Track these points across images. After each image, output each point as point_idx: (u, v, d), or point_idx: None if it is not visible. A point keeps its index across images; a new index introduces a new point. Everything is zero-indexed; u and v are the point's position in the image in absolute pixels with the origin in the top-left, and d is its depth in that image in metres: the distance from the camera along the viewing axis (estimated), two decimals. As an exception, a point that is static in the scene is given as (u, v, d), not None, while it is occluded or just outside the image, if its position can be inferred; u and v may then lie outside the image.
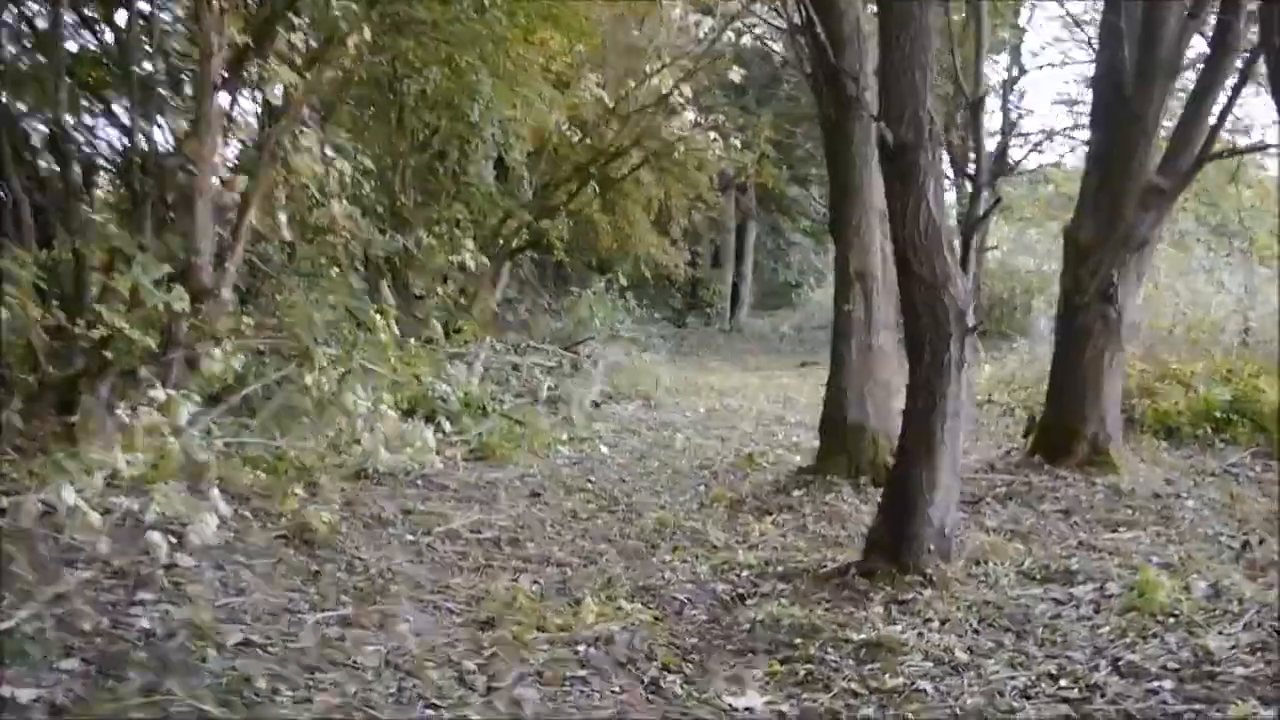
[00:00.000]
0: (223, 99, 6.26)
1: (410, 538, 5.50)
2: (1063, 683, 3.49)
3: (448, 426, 7.20)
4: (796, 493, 6.62)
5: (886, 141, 4.38)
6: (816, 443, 9.15)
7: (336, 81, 10.74)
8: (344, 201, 8.10)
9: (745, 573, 5.05)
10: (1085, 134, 10.24)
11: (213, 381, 6.01)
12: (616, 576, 5.01)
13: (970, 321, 4.49)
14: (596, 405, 10.74)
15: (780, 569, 5.03)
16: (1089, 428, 6.65)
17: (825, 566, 4.92)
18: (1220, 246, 14.33)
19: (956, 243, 4.55)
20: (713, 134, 12.99)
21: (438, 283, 10.42)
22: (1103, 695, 3.35)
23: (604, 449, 8.82)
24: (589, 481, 7.44)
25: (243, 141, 7.21)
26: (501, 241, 12.66)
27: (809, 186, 25.68)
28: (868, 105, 6.59)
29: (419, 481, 6.82)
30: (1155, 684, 3.39)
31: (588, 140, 12.98)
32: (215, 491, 4.73)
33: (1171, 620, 3.97)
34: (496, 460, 7.75)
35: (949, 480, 4.52)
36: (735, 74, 12.57)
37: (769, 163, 17.91)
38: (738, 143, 13.62)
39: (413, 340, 9.79)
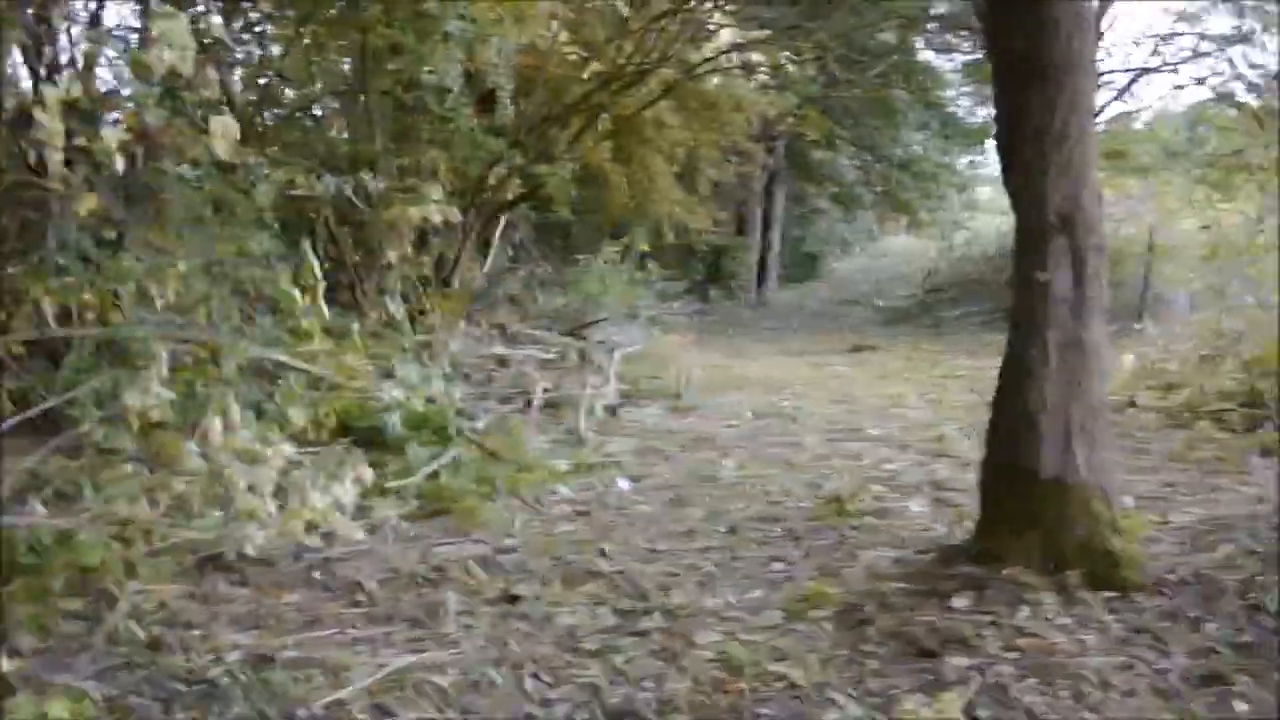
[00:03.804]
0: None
1: (242, 743, 2.75)
2: None
3: (368, 476, 4.41)
4: (959, 602, 3.82)
5: None
6: (931, 474, 6.44)
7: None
8: (227, 113, 5.35)
9: None
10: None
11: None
12: None
13: None
14: (612, 411, 7.96)
15: None
16: None
17: None
18: None
19: None
20: (756, 56, 10.06)
21: (394, 245, 7.63)
22: None
23: (622, 484, 6.08)
24: (601, 556, 4.68)
25: None
26: (489, 193, 9.84)
27: (836, 147, 22.89)
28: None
29: (315, 574, 4.06)
30: None
31: (594, 65, 10.11)
32: None
33: None
34: (457, 516, 4.98)
35: None
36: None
37: (813, 109, 14.85)
38: (793, 68, 10.69)
39: (355, 326, 7.05)
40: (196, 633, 3.33)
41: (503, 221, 11.22)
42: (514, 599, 4.00)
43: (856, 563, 4.58)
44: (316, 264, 6.40)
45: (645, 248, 11.77)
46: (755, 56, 10.35)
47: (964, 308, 18.37)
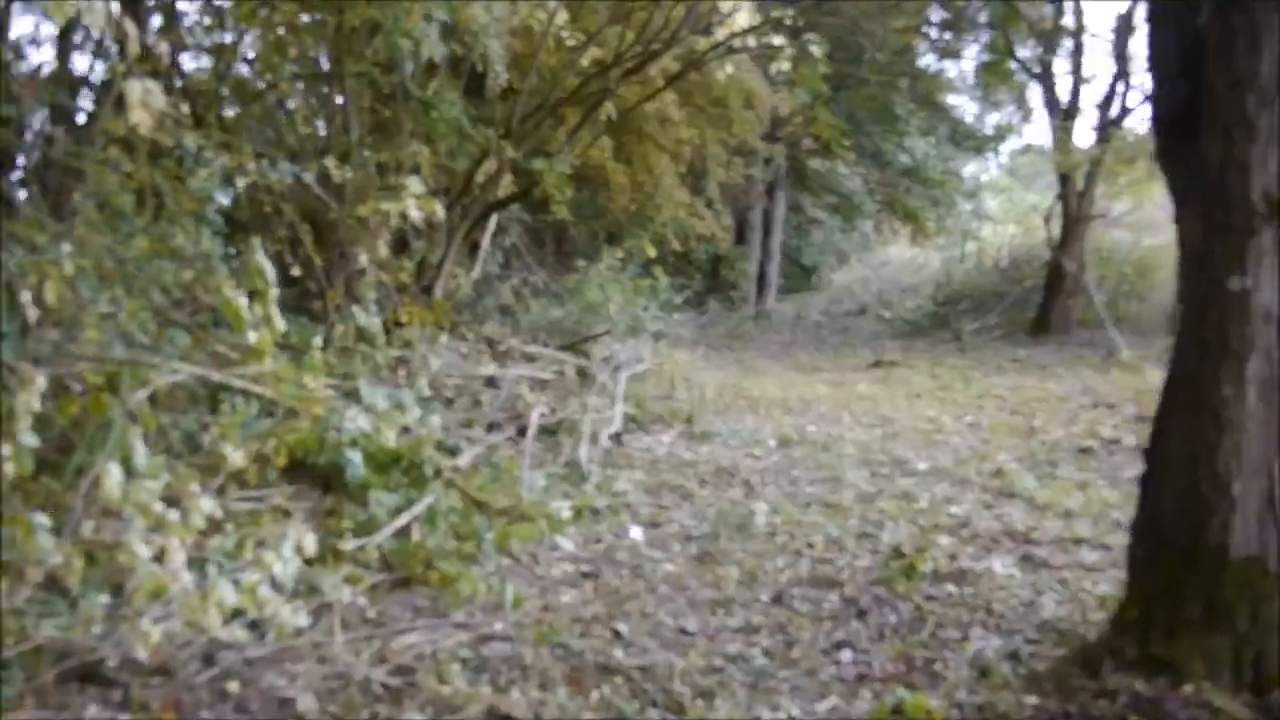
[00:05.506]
0: None
1: None
2: None
3: (310, 544, 3.30)
4: (1127, 734, 2.76)
5: None
6: (1004, 520, 5.36)
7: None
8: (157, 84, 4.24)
9: None
10: None
11: None
12: None
13: None
14: (618, 439, 6.88)
15: None
16: None
17: None
18: None
19: None
20: (779, 40, 8.97)
21: (366, 246, 6.54)
22: None
23: (635, 533, 5.03)
24: (616, 639, 3.61)
25: None
26: (477, 191, 8.74)
27: (835, 154, 21.96)
28: None
29: (229, 685, 2.96)
30: None
31: (594, 51, 9.05)
32: None
33: None
34: (431, 588, 3.90)
35: None
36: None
37: (826, 109, 13.61)
38: (817, 51, 9.60)
39: (316, 340, 5.94)
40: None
41: (493, 223, 10.13)
42: (502, 720, 2.91)
43: (951, 654, 3.51)
44: (267, 265, 5.27)
45: (652, 254, 10.70)
46: (777, 40, 9.27)
47: (981, 320, 17.36)
